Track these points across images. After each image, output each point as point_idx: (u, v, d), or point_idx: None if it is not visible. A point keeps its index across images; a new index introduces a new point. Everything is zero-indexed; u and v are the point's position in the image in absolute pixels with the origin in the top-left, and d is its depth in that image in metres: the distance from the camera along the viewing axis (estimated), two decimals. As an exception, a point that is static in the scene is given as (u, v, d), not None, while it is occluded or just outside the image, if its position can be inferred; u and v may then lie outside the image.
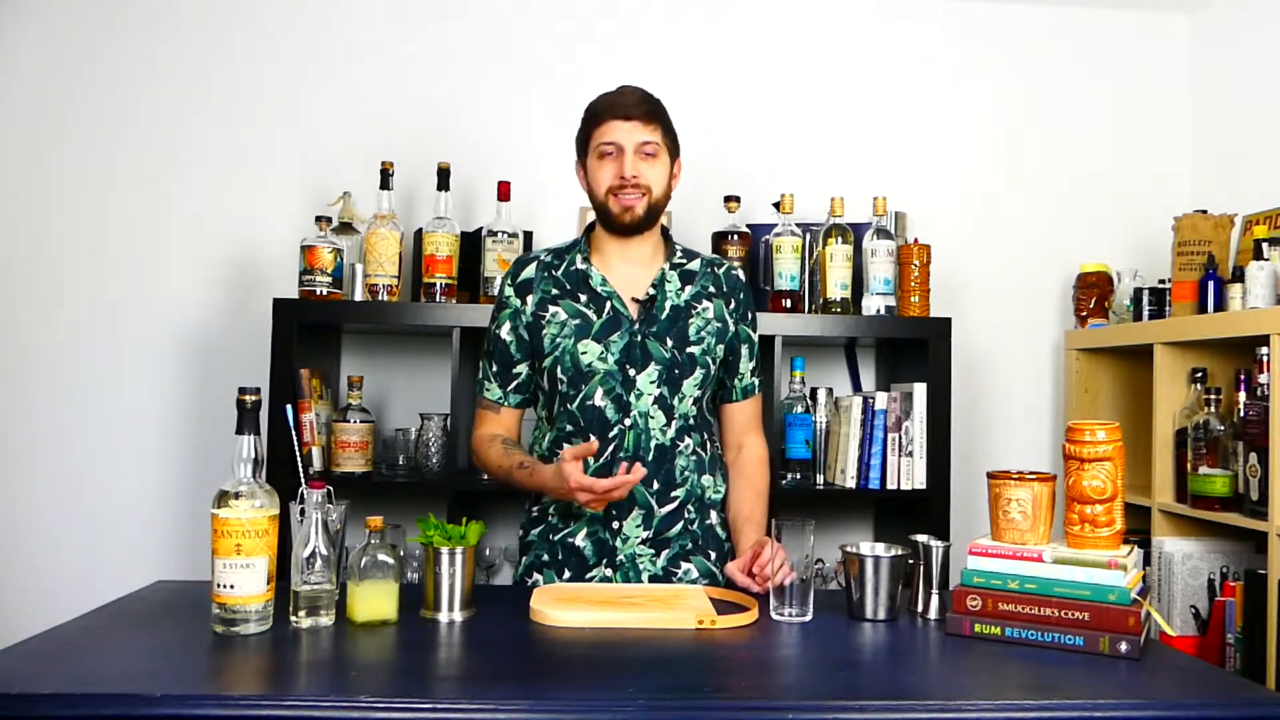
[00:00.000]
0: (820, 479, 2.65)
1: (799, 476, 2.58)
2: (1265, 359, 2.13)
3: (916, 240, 2.67)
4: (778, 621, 1.48)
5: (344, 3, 2.91)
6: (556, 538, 1.79)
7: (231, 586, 1.34)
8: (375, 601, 1.41)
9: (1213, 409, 2.30)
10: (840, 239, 2.59)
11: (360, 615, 1.41)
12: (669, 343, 1.76)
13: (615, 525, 1.75)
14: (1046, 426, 3.01)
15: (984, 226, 3.00)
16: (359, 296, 2.61)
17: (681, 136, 1.84)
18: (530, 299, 1.80)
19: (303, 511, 1.43)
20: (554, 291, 1.80)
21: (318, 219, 2.53)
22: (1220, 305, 2.39)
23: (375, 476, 2.59)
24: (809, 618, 1.49)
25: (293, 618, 1.39)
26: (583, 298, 1.79)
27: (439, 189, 2.57)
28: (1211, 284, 2.41)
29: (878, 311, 2.59)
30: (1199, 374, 2.38)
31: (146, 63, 2.85)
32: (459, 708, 1.10)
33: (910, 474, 2.55)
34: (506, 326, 1.82)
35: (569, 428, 1.77)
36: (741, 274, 1.91)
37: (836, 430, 2.65)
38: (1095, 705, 1.14)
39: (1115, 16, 3.04)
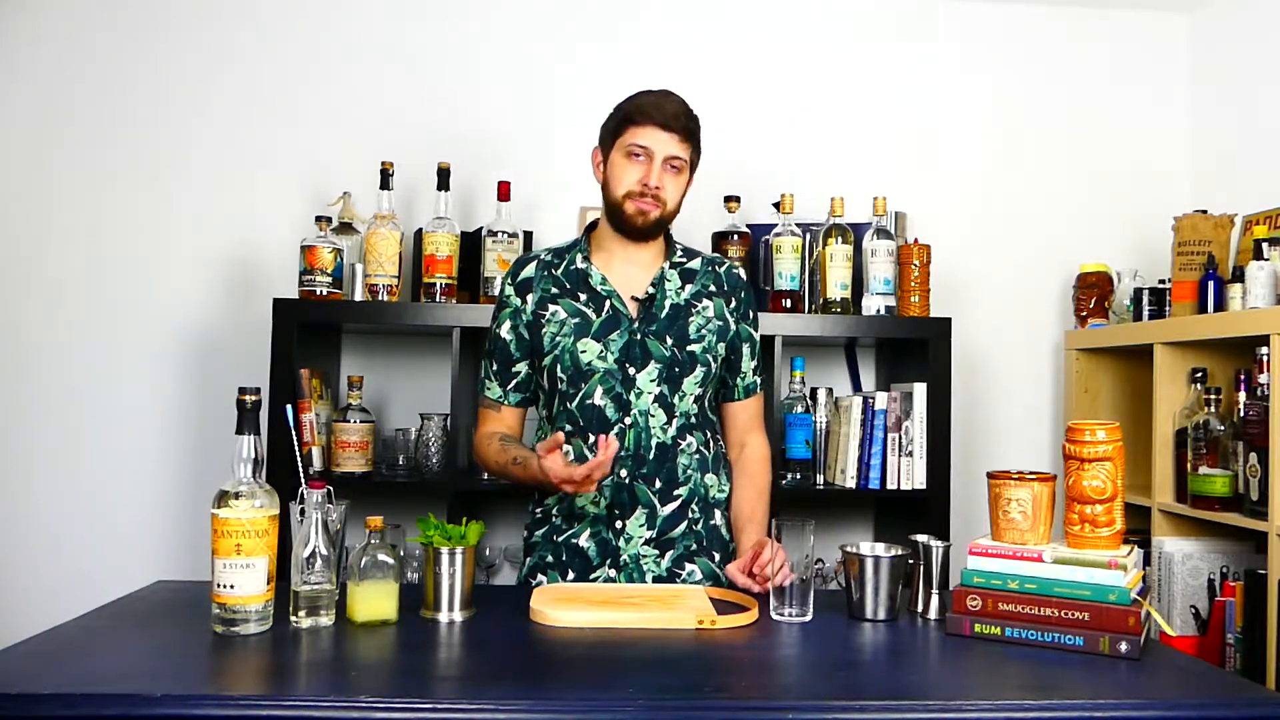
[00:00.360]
0: (820, 479, 2.65)
1: (799, 476, 2.58)
2: (1265, 359, 2.13)
3: (916, 240, 2.67)
4: (778, 621, 1.48)
5: (344, 3, 2.91)
6: (560, 539, 1.79)
7: (231, 586, 1.34)
8: (375, 601, 1.41)
9: (1213, 409, 2.30)
10: (840, 239, 2.59)
11: (360, 615, 1.41)
12: (669, 341, 1.76)
13: (618, 525, 1.74)
14: (1046, 426, 3.01)
15: (984, 226, 3.00)
16: (359, 296, 2.61)
17: (681, 136, 1.84)
18: (530, 298, 1.80)
19: (303, 511, 1.43)
20: (554, 290, 1.80)
21: (318, 219, 2.53)
22: (1220, 305, 2.39)
23: (375, 476, 2.59)
24: (809, 618, 1.49)
25: (293, 618, 1.39)
26: (582, 297, 1.79)
27: (439, 189, 2.57)
28: (1211, 284, 2.41)
29: (878, 311, 2.59)
30: (1199, 374, 2.38)
31: (146, 62, 2.85)
32: (459, 708, 1.10)
33: (910, 474, 2.55)
34: (506, 325, 1.82)
35: (569, 427, 1.77)
36: (742, 273, 1.91)
37: (836, 430, 2.65)
38: (1095, 705, 1.14)
39: (1115, 16, 3.04)
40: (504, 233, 2.57)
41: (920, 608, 1.55)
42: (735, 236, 2.60)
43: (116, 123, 2.84)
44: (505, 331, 1.82)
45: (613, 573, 1.75)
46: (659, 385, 1.75)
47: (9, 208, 2.81)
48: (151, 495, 2.81)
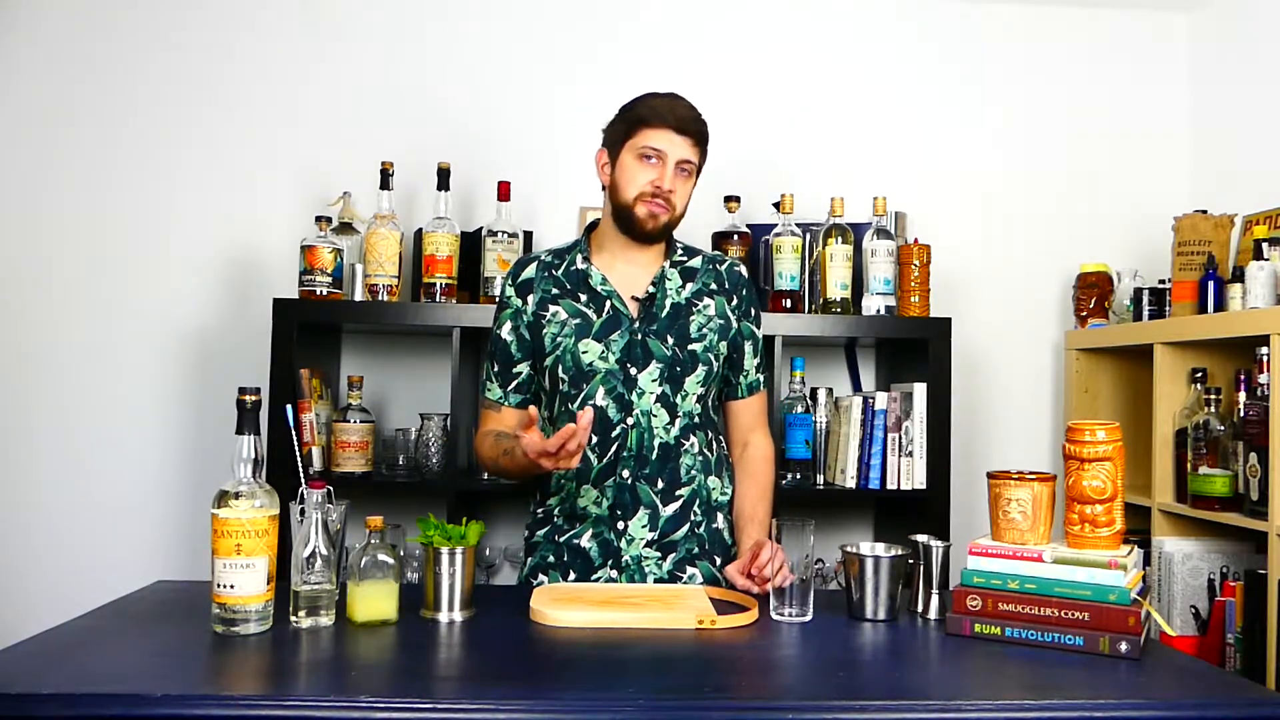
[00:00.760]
0: (820, 479, 2.65)
1: (799, 476, 2.58)
2: (1265, 359, 2.13)
3: (916, 240, 2.67)
4: (778, 621, 1.48)
5: (344, 4, 2.91)
6: (562, 539, 1.79)
7: (231, 586, 1.34)
8: (375, 601, 1.41)
9: (1213, 409, 2.30)
10: (840, 239, 2.59)
11: (360, 615, 1.41)
12: (670, 340, 1.76)
13: (620, 526, 1.74)
14: (1046, 426, 3.01)
15: (984, 226, 3.00)
16: (359, 296, 2.61)
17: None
18: (531, 299, 1.80)
19: (303, 511, 1.43)
20: (554, 291, 1.80)
21: (318, 219, 2.53)
22: (1220, 305, 2.39)
23: (375, 476, 2.59)
24: (809, 618, 1.49)
25: (293, 618, 1.39)
26: (583, 297, 1.78)
27: (439, 189, 2.57)
28: (1211, 284, 2.41)
29: (878, 311, 2.59)
30: (1199, 374, 2.38)
31: (147, 63, 2.85)
32: (459, 708, 1.10)
33: (910, 474, 2.55)
34: (507, 326, 1.82)
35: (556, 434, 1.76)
36: (743, 270, 1.90)
37: (836, 430, 2.65)
38: (1095, 705, 1.14)
39: (1115, 16, 3.04)
40: (504, 233, 2.57)
41: (920, 608, 1.55)
42: (735, 236, 2.60)
43: (116, 123, 2.84)
44: (506, 332, 1.82)
45: (614, 574, 1.75)
46: (661, 385, 1.75)
47: (9, 208, 2.81)
48: (151, 495, 2.81)
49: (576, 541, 1.77)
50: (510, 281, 1.84)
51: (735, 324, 1.83)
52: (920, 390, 2.54)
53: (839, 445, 2.63)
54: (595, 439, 1.74)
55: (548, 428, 1.84)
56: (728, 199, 2.63)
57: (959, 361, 2.80)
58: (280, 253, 2.83)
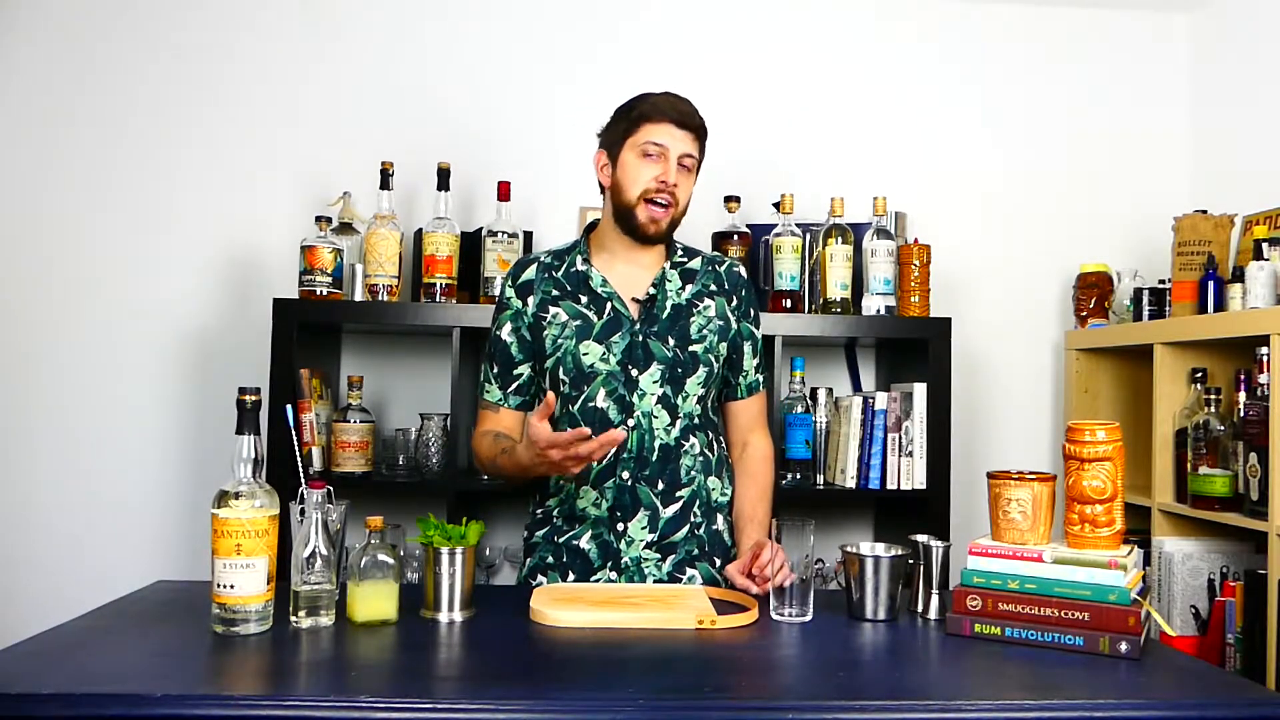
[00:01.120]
0: (820, 479, 2.65)
1: (799, 476, 2.58)
2: (1265, 359, 2.13)
3: (916, 240, 2.67)
4: (778, 621, 1.48)
5: (344, 4, 2.91)
6: (561, 540, 1.78)
7: (231, 586, 1.34)
8: (375, 601, 1.41)
9: (1213, 409, 2.30)
10: (840, 239, 2.59)
11: (360, 615, 1.41)
12: (671, 342, 1.76)
13: (620, 527, 1.74)
14: (1046, 426, 3.01)
15: (984, 226, 3.00)
16: (359, 296, 2.61)
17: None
18: (531, 300, 1.80)
19: (303, 511, 1.43)
20: (554, 293, 1.79)
21: (318, 219, 2.53)
22: (1220, 305, 2.39)
23: (375, 476, 2.59)
24: (809, 618, 1.49)
25: (293, 618, 1.39)
26: (583, 299, 1.78)
27: (439, 189, 2.57)
28: (1211, 284, 2.41)
29: (878, 311, 2.59)
30: (1199, 374, 2.38)
31: (147, 63, 2.85)
32: (459, 708, 1.10)
33: (910, 474, 2.55)
34: (508, 328, 1.81)
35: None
36: (743, 270, 1.90)
37: (836, 430, 2.65)
38: (1095, 705, 1.14)
39: (1115, 17, 3.04)
40: (504, 233, 2.57)
41: (920, 608, 1.55)
42: (735, 236, 2.60)
43: (116, 123, 2.84)
44: (506, 334, 1.82)
45: (613, 575, 1.75)
46: (662, 386, 1.75)
47: (9, 208, 2.81)
48: (151, 495, 2.81)
49: (576, 543, 1.77)
50: (510, 283, 1.83)
51: (735, 325, 1.83)
52: (920, 390, 2.54)
53: (839, 445, 2.63)
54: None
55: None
56: (728, 199, 2.63)
57: (959, 361, 2.80)
58: (280, 253, 2.83)
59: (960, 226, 2.97)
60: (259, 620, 1.35)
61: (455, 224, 2.57)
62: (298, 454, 1.65)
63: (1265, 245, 2.31)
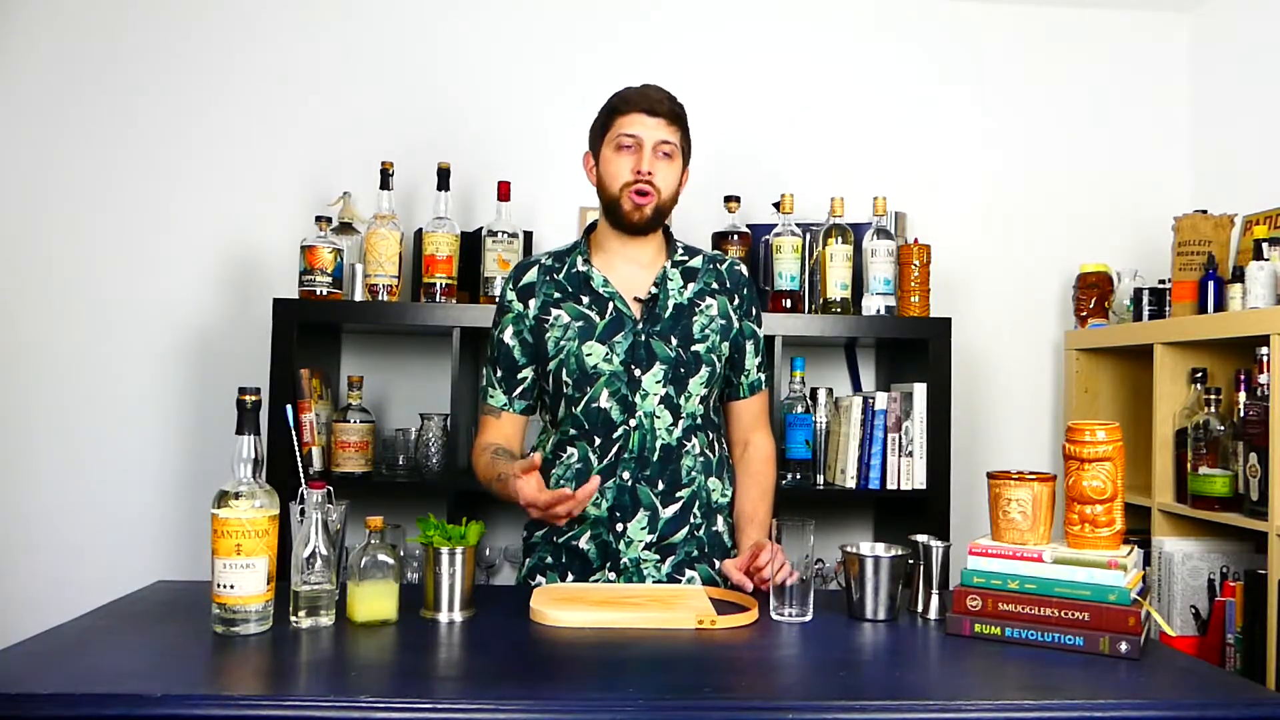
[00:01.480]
0: (820, 479, 2.65)
1: (799, 476, 2.58)
2: (1265, 359, 2.13)
3: (916, 240, 2.67)
4: (778, 621, 1.48)
5: (345, 3, 2.91)
6: (560, 540, 1.78)
7: (231, 586, 1.34)
8: (375, 601, 1.41)
9: (1213, 409, 2.30)
10: (840, 239, 2.59)
11: (360, 615, 1.41)
12: (673, 341, 1.75)
13: (619, 528, 1.73)
14: (1046, 426, 3.01)
15: (984, 226, 3.00)
16: (359, 296, 2.61)
17: (682, 137, 1.84)
18: (533, 303, 1.79)
19: (303, 511, 1.43)
20: (556, 295, 1.79)
21: (318, 219, 2.53)
22: (1220, 305, 2.39)
23: (375, 476, 2.59)
24: (809, 618, 1.49)
25: (293, 618, 1.39)
26: (585, 300, 1.78)
27: (439, 189, 2.57)
28: (1211, 284, 2.41)
29: (878, 311, 2.59)
30: (1199, 374, 2.38)
31: (147, 63, 2.85)
32: (459, 708, 1.10)
33: (910, 474, 2.55)
34: (509, 331, 1.81)
35: (573, 431, 1.76)
36: (744, 269, 1.89)
37: (836, 430, 2.65)
38: (1095, 705, 1.14)
39: (1115, 17, 3.04)
40: (504, 233, 2.57)
41: (920, 608, 1.55)
42: (735, 236, 2.60)
43: (117, 122, 2.84)
44: (509, 337, 1.81)
45: (612, 576, 1.74)
46: (664, 386, 1.74)
47: (10, 208, 2.81)
48: (151, 495, 2.81)
49: (575, 543, 1.76)
50: (511, 286, 1.83)
51: (736, 324, 1.83)
52: (920, 390, 2.54)
53: (839, 445, 2.62)
54: (597, 440, 1.74)
55: (550, 431, 1.83)
56: (728, 199, 2.63)
57: (959, 361, 2.80)
58: (280, 253, 2.83)
59: (960, 226, 2.97)
60: (259, 620, 1.35)
61: (455, 224, 2.57)
62: (298, 454, 1.65)
63: (1265, 245, 2.31)
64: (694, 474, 1.77)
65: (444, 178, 2.57)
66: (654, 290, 1.78)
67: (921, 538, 1.57)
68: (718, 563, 1.78)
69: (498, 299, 1.87)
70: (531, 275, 1.82)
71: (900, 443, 2.55)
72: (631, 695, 1.13)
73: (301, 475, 1.52)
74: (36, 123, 2.82)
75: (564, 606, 1.48)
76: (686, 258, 1.84)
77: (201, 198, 2.85)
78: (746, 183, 2.82)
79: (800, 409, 2.59)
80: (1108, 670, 1.27)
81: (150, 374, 2.82)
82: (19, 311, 2.80)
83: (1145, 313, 2.61)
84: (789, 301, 2.60)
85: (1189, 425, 2.34)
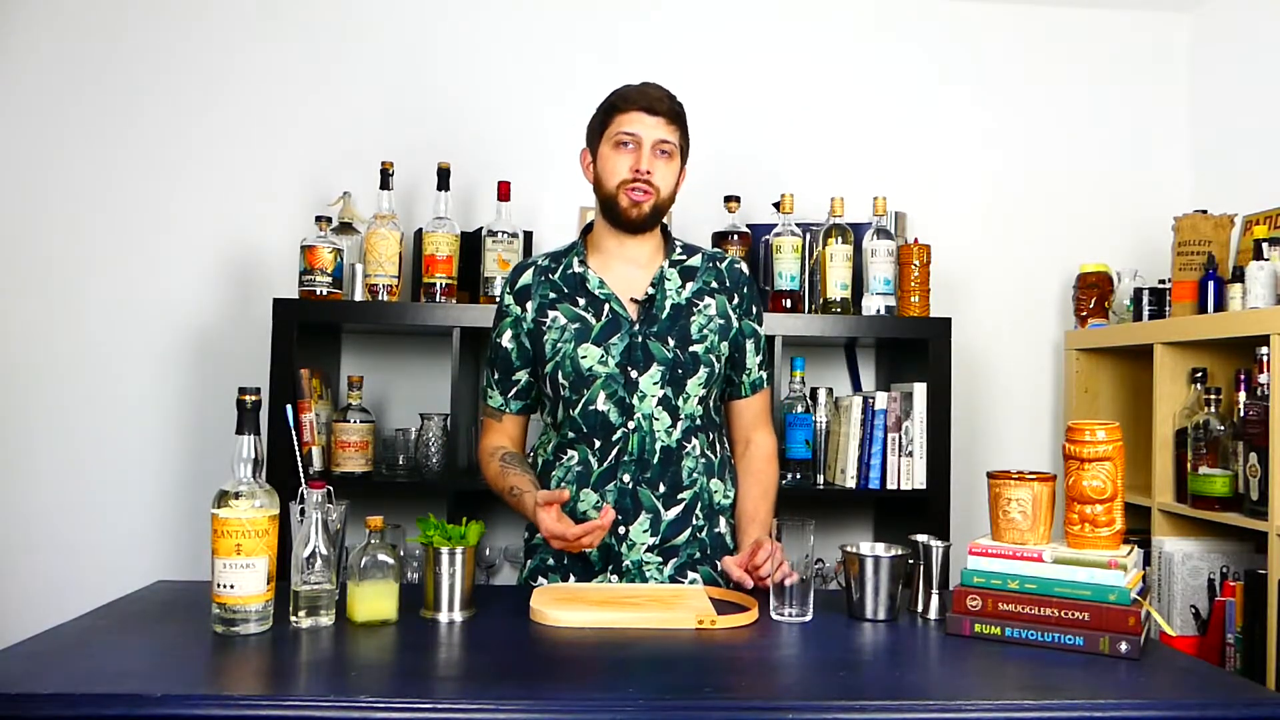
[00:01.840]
0: (820, 479, 2.65)
1: (799, 476, 2.58)
2: (1265, 359, 2.13)
3: (916, 240, 2.67)
4: (778, 621, 1.48)
5: (345, 4, 2.91)
6: None
7: (231, 586, 1.34)
8: (375, 601, 1.41)
9: (1213, 409, 2.30)
10: (840, 239, 2.59)
11: (360, 615, 1.41)
12: (671, 342, 1.75)
13: (621, 530, 1.73)
14: (1046, 426, 3.01)
15: (984, 226, 3.00)
16: (359, 296, 2.61)
17: (682, 136, 1.84)
18: (530, 305, 1.79)
19: (303, 511, 1.43)
20: (552, 296, 1.79)
21: (318, 219, 2.53)
22: (1220, 305, 2.39)
23: (375, 476, 2.59)
24: (809, 618, 1.49)
25: (293, 618, 1.39)
26: (581, 301, 1.77)
27: (439, 189, 2.57)
28: (1211, 284, 2.41)
29: (878, 311, 2.59)
30: (1199, 374, 2.38)
31: (148, 63, 2.85)
32: (459, 708, 1.10)
33: (910, 474, 2.55)
34: (508, 334, 1.81)
35: (572, 434, 1.76)
36: (744, 267, 1.88)
37: (836, 430, 2.65)
38: (1095, 705, 1.14)
39: (1115, 17, 3.04)
40: (504, 233, 2.57)
41: (920, 608, 1.55)
42: (735, 236, 2.60)
43: (117, 122, 2.84)
44: (506, 340, 1.81)
45: (614, 578, 1.74)
46: (662, 388, 1.74)
47: (9, 208, 2.81)
48: (151, 495, 2.81)
49: (577, 545, 1.76)
50: (508, 289, 1.83)
51: (736, 323, 1.82)
52: (920, 390, 2.54)
53: (839, 445, 2.62)
54: (597, 443, 1.74)
55: (550, 433, 1.83)
56: (728, 199, 2.63)
57: (959, 361, 2.80)
58: (280, 253, 2.83)
59: (960, 226, 2.97)
60: (259, 620, 1.35)
61: (455, 224, 2.57)
62: (298, 454, 1.65)
63: (1265, 245, 2.31)
64: (695, 475, 1.77)
65: (444, 178, 2.57)
66: (651, 291, 1.77)
67: (921, 538, 1.57)
68: (720, 565, 1.78)
69: (497, 302, 1.87)
70: (527, 277, 1.82)
71: (900, 443, 2.55)
72: (631, 695, 1.13)
73: (301, 475, 1.52)
74: (37, 123, 2.82)
75: (564, 606, 1.48)
76: (685, 257, 1.83)
77: (202, 198, 2.85)
78: (746, 183, 2.82)
79: (800, 409, 2.59)
80: (1108, 670, 1.27)
81: (150, 374, 2.82)
82: (19, 311, 2.80)
83: (1145, 313, 2.61)
84: (789, 301, 2.60)
85: (1189, 425, 2.34)
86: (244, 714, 1.08)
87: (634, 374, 1.73)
